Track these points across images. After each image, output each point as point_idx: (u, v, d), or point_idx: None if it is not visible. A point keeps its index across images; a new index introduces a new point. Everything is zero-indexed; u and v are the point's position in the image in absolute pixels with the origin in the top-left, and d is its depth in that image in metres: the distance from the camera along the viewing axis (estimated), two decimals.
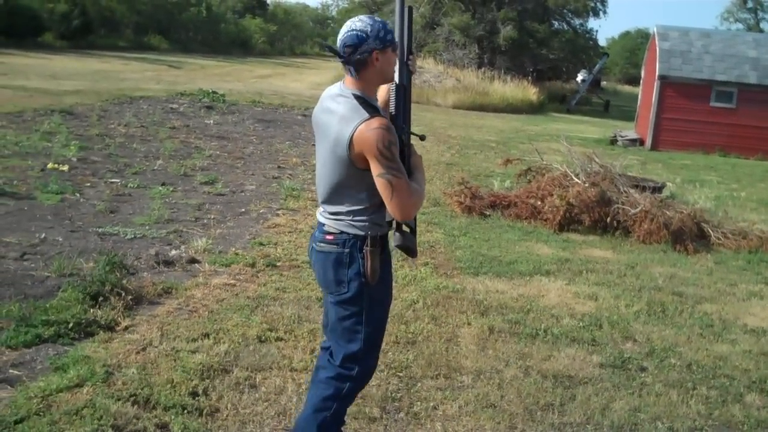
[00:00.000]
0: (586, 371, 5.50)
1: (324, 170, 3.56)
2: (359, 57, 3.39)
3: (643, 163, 18.71)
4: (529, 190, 11.16)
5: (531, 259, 8.50)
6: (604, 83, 63.86)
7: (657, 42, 24.52)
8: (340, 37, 3.44)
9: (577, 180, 10.99)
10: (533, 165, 13.05)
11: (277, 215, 9.47)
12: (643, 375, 5.55)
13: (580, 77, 48.37)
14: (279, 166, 13.15)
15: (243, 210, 9.62)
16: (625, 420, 4.76)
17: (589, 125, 30.72)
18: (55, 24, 49.19)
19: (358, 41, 3.39)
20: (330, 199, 3.56)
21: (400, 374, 5.11)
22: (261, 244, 8.02)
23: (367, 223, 3.50)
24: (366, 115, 3.32)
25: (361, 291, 3.52)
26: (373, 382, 4.83)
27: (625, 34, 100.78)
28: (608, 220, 10.13)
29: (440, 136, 20.66)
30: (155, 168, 11.76)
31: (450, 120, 26.09)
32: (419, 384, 5.01)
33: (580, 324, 6.50)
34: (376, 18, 3.50)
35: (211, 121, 18.35)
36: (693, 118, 23.39)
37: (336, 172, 3.48)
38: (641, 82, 28.06)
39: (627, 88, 72.54)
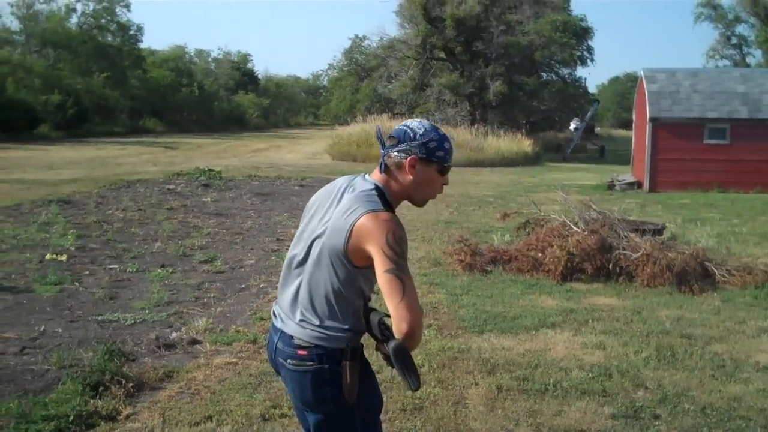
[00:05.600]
0: (598, 424, 5.39)
1: (300, 268, 3.10)
2: (395, 153, 3.05)
3: (642, 206, 18.68)
4: (528, 242, 11.11)
5: (535, 313, 8.41)
6: (598, 129, 64.24)
7: (645, 85, 24.67)
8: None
9: (576, 229, 10.95)
10: (531, 217, 13.00)
11: (277, 289, 9.39)
12: (656, 423, 5.44)
13: (573, 125, 48.60)
14: (278, 239, 13.13)
15: (243, 286, 9.57)
16: None
17: (585, 172, 30.77)
18: (50, 115, 49.73)
19: (402, 137, 3.06)
20: (303, 304, 3.07)
21: None
22: (262, 318, 7.94)
23: (348, 333, 3.03)
24: (378, 205, 2.96)
25: (350, 406, 3.04)
26: None
27: (615, 79, 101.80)
28: (610, 266, 10.05)
29: (438, 195, 20.62)
30: (154, 250, 11.74)
31: None
32: None
33: (590, 375, 6.39)
34: (441, 132, 3.13)
35: (209, 199, 18.41)
36: (688, 157, 23.41)
37: (320, 272, 3.03)
38: (633, 125, 28.18)
39: (621, 132, 72.97)
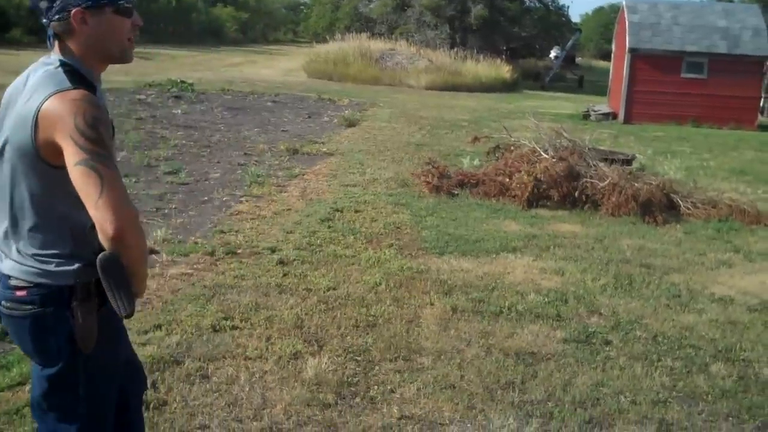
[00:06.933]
0: (549, 347, 5.41)
1: (1, 187, 2.48)
2: (57, 18, 2.43)
3: (615, 137, 18.63)
4: (497, 167, 11.05)
5: (498, 237, 8.39)
6: (579, 59, 63.68)
7: (626, 15, 24.42)
8: None
9: (545, 155, 10.89)
10: (502, 142, 12.94)
11: (241, 202, 9.33)
12: (607, 349, 5.46)
13: (553, 54, 48.24)
14: (245, 153, 12.97)
15: (206, 198, 9.47)
16: (587, 395, 4.67)
17: (563, 101, 30.61)
18: (22, 19, 48.47)
19: None
20: (13, 232, 2.47)
21: (358, 358, 5.01)
22: (222, 231, 7.88)
23: (76, 265, 2.43)
24: (66, 84, 2.34)
25: (75, 362, 2.47)
26: (329, 367, 4.74)
27: (599, 10, 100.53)
28: (577, 194, 10.03)
29: (411, 117, 20.51)
30: (118, 160, 11.47)
31: (422, 101, 25.94)
32: (377, 367, 4.91)
33: (545, 300, 6.40)
34: None
35: (179, 111, 18.12)
36: (665, 89, 23.26)
37: (19, 183, 2.42)
38: (612, 56, 27.98)
39: (602, 64, 72.20)
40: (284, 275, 6.59)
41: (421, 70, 33.55)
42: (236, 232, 7.93)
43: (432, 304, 6.13)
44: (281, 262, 6.93)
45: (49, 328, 2.43)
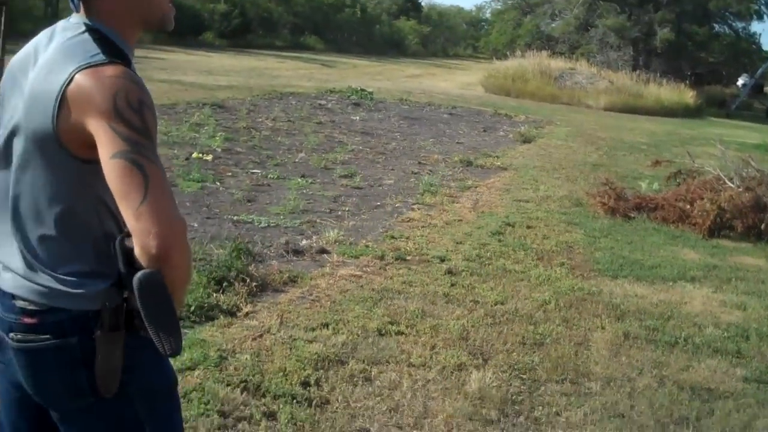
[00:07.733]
0: (727, 384, 5.09)
1: (5, 187, 1.93)
2: None
3: None
4: (677, 192, 10.61)
5: (676, 264, 8.03)
6: (767, 89, 60.91)
7: None
8: None
9: (730, 184, 10.39)
10: (684, 168, 12.44)
11: (412, 210, 9.33)
12: None
13: (741, 81, 46.21)
14: (419, 162, 13.01)
15: (378, 203, 9.53)
16: None
17: (748, 131, 29.23)
18: (215, 23, 50.76)
19: None
20: (19, 241, 1.90)
21: (524, 376, 4.86)
22: (392, 237, 7.90)
23: (99, 284, 1.86)
24: (99, 56, 1.79)
25: (122, 390, 1.90)
26: (494, 382, 4.63)
27: None
28: (763, 227, 9.49)
29: (589, 137, 20.07)
30: (297, 160, 11.84)
31: (600, 122, 25.35)
32: (543, 388, 4.75)
33: (725, 334, 6.05)
34: None
35: (357, 118, 18.43)
36: None
37: (30, 182, 1.88)
38: None
39: None
40: (452, 285, 6.52)
41: (601, 90, 32.83)
42: (406, 238, 7.93)
43: (603, 328, 5.90)
44: (450, 272, 6.86)
45: (78, 361, 1.86)
